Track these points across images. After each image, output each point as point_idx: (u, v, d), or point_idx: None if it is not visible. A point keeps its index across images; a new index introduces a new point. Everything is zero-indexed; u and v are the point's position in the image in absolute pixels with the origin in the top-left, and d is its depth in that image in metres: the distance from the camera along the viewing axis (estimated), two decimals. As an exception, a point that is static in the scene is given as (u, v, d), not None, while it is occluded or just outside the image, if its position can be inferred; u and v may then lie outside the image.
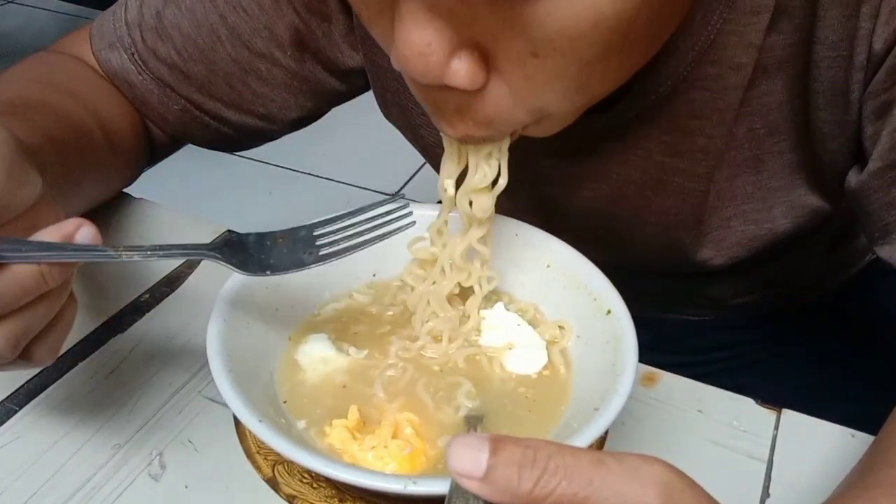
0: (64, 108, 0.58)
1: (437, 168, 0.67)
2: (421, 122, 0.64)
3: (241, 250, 0.46)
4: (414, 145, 0.69)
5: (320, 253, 0.47)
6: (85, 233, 0.40)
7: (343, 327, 0.54)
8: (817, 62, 0.48)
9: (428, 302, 0.54)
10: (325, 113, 0.71)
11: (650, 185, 0.57)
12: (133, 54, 0.63)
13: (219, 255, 0.45)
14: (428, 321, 0.53)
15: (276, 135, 0.70)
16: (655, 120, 0.53)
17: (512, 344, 0.52)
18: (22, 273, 0.38)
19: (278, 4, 0.61)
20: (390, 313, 0.55)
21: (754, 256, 0.60)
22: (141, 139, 0.67)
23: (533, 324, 0.54)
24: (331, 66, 0.65)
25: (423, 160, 0.70)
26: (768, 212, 0.57)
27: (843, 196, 0.54)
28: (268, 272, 0.45)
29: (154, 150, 0.70)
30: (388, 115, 0.68)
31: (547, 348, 0.52)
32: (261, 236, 0.47)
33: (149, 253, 0.42)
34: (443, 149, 0.57)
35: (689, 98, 0.52)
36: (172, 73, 0.64)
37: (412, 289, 0.56)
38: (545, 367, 0.51)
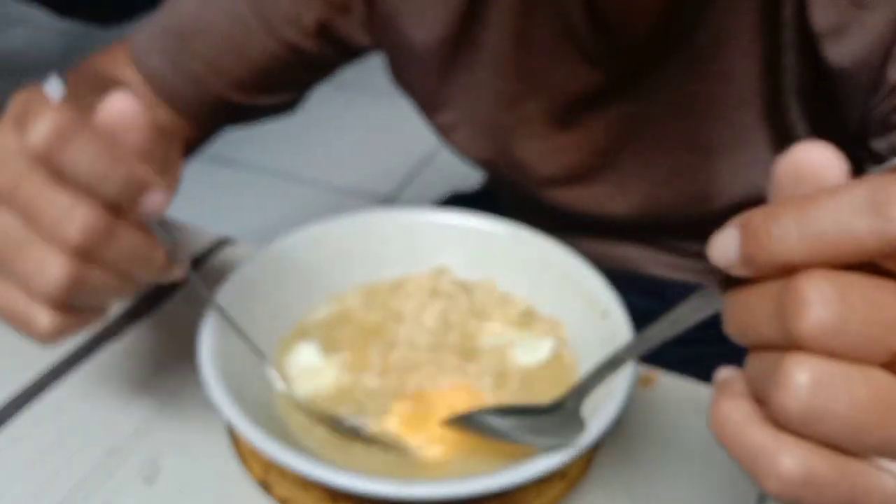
0: None
1: (449, 145, 0.70)
2: (438, 102, 0.68)
3: None
4: (428, 122, 0.72)
5: None
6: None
7: (331, 331, 0.54)
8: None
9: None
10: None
11: (672, 112, 0.61)
12: (169, 55, 0.67)
13: None
14: (414, 330, 0.53)
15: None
16: (678, 46, 0.57)
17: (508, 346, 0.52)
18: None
19: None
20: (379, 317, 0.55)
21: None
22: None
23: (528, 325, 0.54)
24: (345, 49, 0.69)
25: (419, 167, 0.72)
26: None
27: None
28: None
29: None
30: (404, 91, 0.72)
31: (540, 349, 0.52)
32: None
33: None
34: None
35: (711, 21, 0.55)
36: (208, 70, 0.67)
37: (410, 295, 0.56)
38: (541, 367, 0.51)
